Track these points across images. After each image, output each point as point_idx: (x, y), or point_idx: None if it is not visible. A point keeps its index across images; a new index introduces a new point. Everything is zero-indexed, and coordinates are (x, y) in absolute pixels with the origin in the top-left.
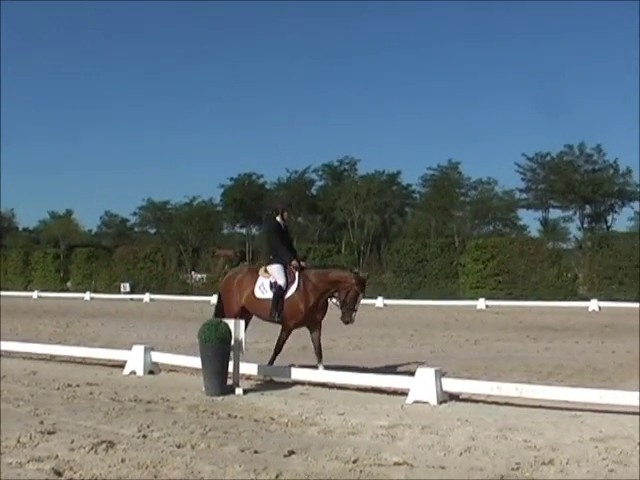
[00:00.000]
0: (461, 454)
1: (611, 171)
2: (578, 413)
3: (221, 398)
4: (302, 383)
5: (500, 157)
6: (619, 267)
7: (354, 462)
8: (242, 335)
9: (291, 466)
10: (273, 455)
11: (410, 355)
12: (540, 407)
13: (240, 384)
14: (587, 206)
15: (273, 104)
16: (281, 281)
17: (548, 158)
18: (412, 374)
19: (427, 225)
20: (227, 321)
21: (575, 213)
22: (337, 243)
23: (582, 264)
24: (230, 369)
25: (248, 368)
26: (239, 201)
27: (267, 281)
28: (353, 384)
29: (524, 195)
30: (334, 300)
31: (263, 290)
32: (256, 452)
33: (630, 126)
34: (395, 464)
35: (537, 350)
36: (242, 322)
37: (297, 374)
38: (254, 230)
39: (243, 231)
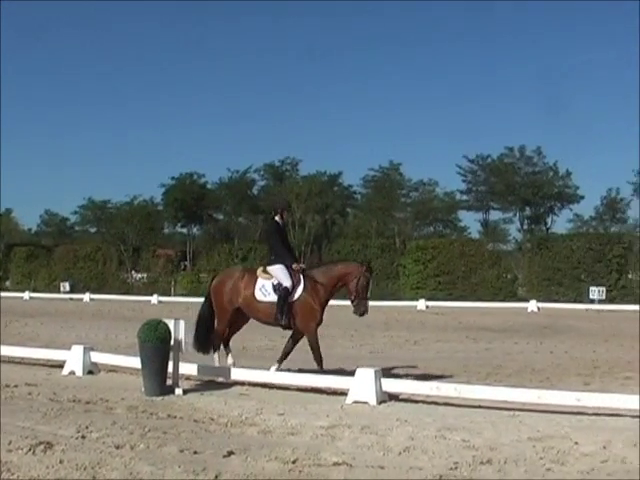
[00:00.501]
0: (400, 454)
1: (551, 173)
2: (516, 413)
3: (161, 398)
4: (242, 383)
5: (441, 159)
6: (558, 268)
7: (293, 462)
8: (182, 335)
9: (230, 467)
10: (212, 455)
11: (350, 355)
12: (479, 407)
13: (180, 384)
14: (527, 208)
15: (215, 103)
16: (287, 283)
17: (489, 160)
18: (352, 374)
19: (368, 226)
20: (167, 321)
21: (515, 215)
22: None
23: (522, 265)
24: (170, 369)
25: (188, 368)
26: (180, 200)
27: (269, 283)
28: (293, 384)
29: (465, 197)
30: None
31: (265, 292)
32: (195, 453)
33: (569, 128)
34: (334, 464)
35: (476, 351)
36: (182, 322)
37: (237, 374)
38: (195, 230)
39: (184, 231)
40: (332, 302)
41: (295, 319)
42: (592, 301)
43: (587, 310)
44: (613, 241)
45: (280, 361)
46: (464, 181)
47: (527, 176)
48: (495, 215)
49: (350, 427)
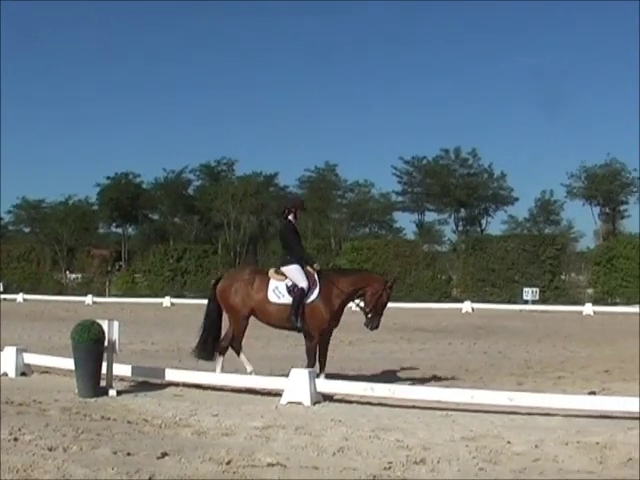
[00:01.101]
0: (334, 454)
1: (486, 175)
2: (450, 413)
3: (94, 400)
4: (176, 384)
5: (377, 160)
6: (492, 269)
7: (227, 463)
8: (116, 336)
9: (164, 468)
10: (146, 457)
11: (285, 356)
12: (413, 407)
13: (114, 385)
14: (462, 209)
15: (151, 102)
16: (303, 284)
17: (424, 162)
18: (286, 375)
19: (304, 227)
20: (100, 321)
21: (450, 216)
22: (214, 244)
23: (456, 266)
24: (104, 370)
25: (122, 369)
26: (115, 200)
27: (282, 284)
28: (227, 385)
29: (400, 198)
30: (356, 302)
31: (279, 294)
32: (129, 454)
33: (504, 131)
34: (268, 465)
35: (411, 351)
36: (116, 322)
37: (171, 375)
38: (130, 230)
39: (119, 231)
40: None
41: (307, 322)
42: (526, 302)
43: (521, 311)
44: (547, 242)
45: (322, 369)
46: (400, 182)
47: (462, 178)
48: (430, 216)
49: (284, 428)
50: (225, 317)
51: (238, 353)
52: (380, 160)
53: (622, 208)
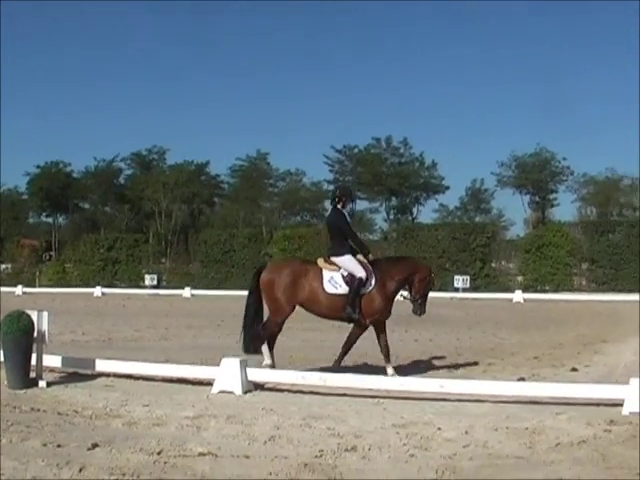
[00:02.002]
0: (265, 443)
1: (417, 164)
2: (381, 400)
3: (24, 391)
4: (107, 375)
5: (309, 149)
6: (423, 258)
7: (158, 454)
8: (45, 326)
9: (95, 459)
10: (76, 448)
11: (217, 345)
12: (344, 395)
13: (43, 377)
14: (393, 198)
15: (81, 90)
16: (361, 273)
17: (356, 150)
18: (218, 364)
19: (235, 215)
20: (29, 312)
21: (381, 205)
22: (145, 233)
23: (387, 254)
24: (33, 361)
25: (52, 360)
26: (45, 189)
27: (337, 274)
28: (159, 375)
29: (332, 186)
30: (404, 294)
31: (335, 284)
32: (59, 446)
33: (434, 120)
34: (200, 454)
35: (342, 340)
36: (45, 313)
37: (102, 366)
38: (61, 219)
39: (49, 220)
40: (199, 292)
41: (362, 312)
42: (456, 289)
43: (452, 298)
44: (477, 231)
45: (340, 359)
46: (331, 171)
47: (393, 166)
48: (362, 205)
49: (216, 417)
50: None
51: (271, 347)
52: (311, 149)
53: (552, 197)
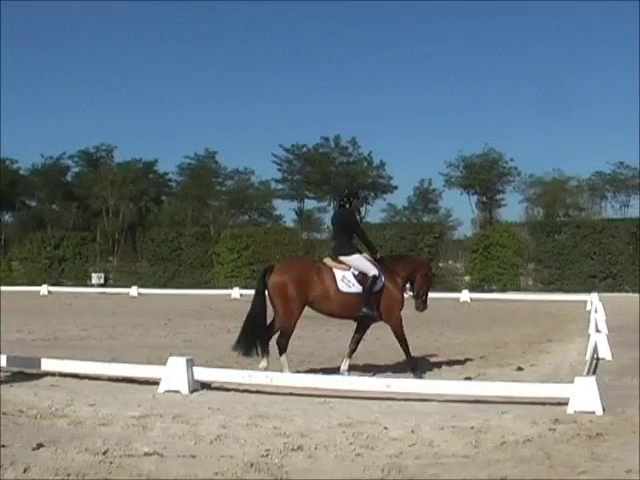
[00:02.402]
0: (212, 442)
1: (365, 164)
2: (328, 400)
3: None
4: (53, 374)
5: (257, 147)
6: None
7: (104, 453)
8: None
9: (40, 460)
10: (21, 449)
11: (163, 344)
12: (291, 394)
13: None
14: None
15: (28, 86)
16: (374, 271)
17: (304, 149)
18: (164, 363)
19: (183, 214)
20: None
21: (329, 204)
22: (92, 231)
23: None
24: None
25: None
26: None
27: (348, 273)
28: (105, 374)
29: (280, 185)
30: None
31: (348, 283)
32: (4, 446)
33: (383, 119)
34: (145, 454)
35: (299, 339)
36: None
37: (47, 365)
38: (7, 217)
39: None
40: (146, 291)
41: (382, 309)
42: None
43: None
44: (425, 231)
45: (349, 357)
46: (280, 170)
47: (342, 166)
48: (310, 204)
49: (162, 416)
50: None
51: (284, 351)
52: (260, 148)
53: (499, 197)
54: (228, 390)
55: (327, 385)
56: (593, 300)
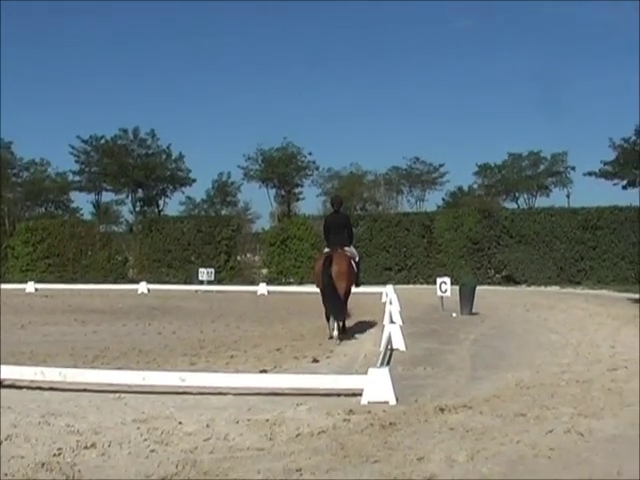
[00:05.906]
0: (1, 443)
1: (164, 156)
2: (122, 395)
3: None
4: None
5: (54, 138)
6: (168, 250)
7: None
8: None
9: None
10: None
11: None
12: (84, 391)
13: None
14: (139, 190)
15: None
16: (357, 257)
17: (102, 141)
18: None
19: None
20: None
21: (127, 197)
22: None
23: (132, 247)
24: None
25: None
26: None
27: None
28: None
29: (77, 177)
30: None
31: (354, 267)
32: None
33: (184, 112)
34: None
35: (84, 333)
36: None
37: None
38: None
39: None
40: None
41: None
42: (201, 282)
43: (197, 291)
44: (222, 224)
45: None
46: (77, 162)
47: (140, 158)
48: (108, 196)
49: None
50: None
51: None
52: (57, 138)
53: (297, 191)
54: (20, 388)
55: (121, 380)
56: (388, 292)
